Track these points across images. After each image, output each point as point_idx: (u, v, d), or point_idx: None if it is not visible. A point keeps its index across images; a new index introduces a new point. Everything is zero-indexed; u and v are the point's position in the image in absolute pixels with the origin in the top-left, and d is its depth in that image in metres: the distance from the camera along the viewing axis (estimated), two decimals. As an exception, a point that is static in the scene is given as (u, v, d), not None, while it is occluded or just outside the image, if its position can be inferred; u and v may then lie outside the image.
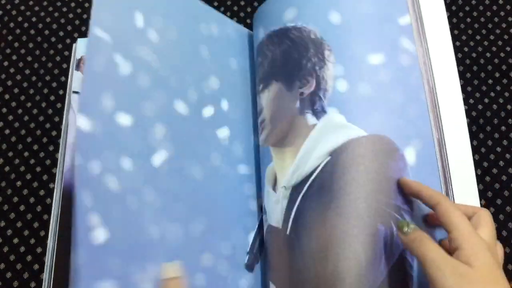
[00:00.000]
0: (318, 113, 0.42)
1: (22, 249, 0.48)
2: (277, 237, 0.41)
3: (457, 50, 0.57)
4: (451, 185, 0.42)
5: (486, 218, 0.35)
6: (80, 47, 0.52)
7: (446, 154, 0.43)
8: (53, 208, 0.47)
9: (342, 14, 0.45)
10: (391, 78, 0.43)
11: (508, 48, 0.57)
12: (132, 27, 0.44)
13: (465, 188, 0.43)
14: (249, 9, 0.59)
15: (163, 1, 0.47)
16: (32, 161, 0.51)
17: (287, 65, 0.45)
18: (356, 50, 0.44)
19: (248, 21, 0.58)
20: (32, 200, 0.50)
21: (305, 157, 0.41)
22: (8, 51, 0.56)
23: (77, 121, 0.39)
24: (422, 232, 0.34)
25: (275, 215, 0.41)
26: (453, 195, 0.42)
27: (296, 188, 0.41)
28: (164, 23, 0.46)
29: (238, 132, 0.48)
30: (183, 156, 0.43)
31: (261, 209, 0.46)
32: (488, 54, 0.57)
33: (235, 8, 0.59)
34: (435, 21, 0.47)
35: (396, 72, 0.44)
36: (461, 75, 0.56)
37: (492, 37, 0.57)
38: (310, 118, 0.42)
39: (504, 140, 0.53)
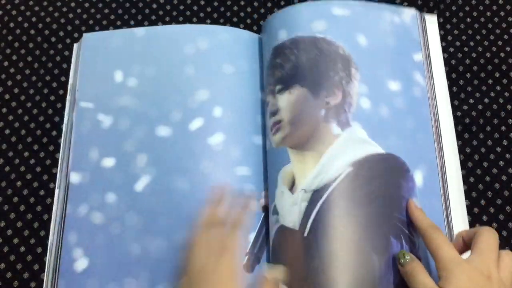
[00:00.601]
0: (343, 124, 0.44)
1: (22, 249, 0.48)
2: (292, 238, 0.42)
3: (457, 50, 0.57)
4: (450, 210, 0.46)
5: (482, 236, 0.37)
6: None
7: (447, 181, 0.47)
8: (54, 208, 0.48)
9: (367, 38, 0.48)
10: (405, 105, 0.47)
11: (508, 48, 0.57)
12: (112, 84, 0.51)
13: (458, 213, 0.47)
14: (249, 9, 0.59)
15: (141, 49, 0.52)
16: (32, 161, 0.51)
17: (314, 73, 0.46)
18: (379, 74, 0.47)
19: (248, 21, 0.58)
20: (32, 200, 0.50)
21: (328, 164, 0.42)
22: (8, 51, 0.56)
23: (70, 177, 0.47)
24: (416, 263, 0.37)
25: (291, 217, 0.42)
26: (451, 220, 0.46)
27: (316, 193, 0.42)
28: (142, 67, 0.51)
29: (235, 135, 0.48)
30: (166, 175, 0.47)
31: (265, 209, 0.46)
32: (488, 54, 0.57)
33: (235, 8, 0.59)
34: (437, 61, 0.52)
35: (410, 101, 0.48)
36: (461, 75, 0.56)
37: (492, 37, 0.57)
38: (335, 127, 0.44)
39: (504, 140, 0.53)
